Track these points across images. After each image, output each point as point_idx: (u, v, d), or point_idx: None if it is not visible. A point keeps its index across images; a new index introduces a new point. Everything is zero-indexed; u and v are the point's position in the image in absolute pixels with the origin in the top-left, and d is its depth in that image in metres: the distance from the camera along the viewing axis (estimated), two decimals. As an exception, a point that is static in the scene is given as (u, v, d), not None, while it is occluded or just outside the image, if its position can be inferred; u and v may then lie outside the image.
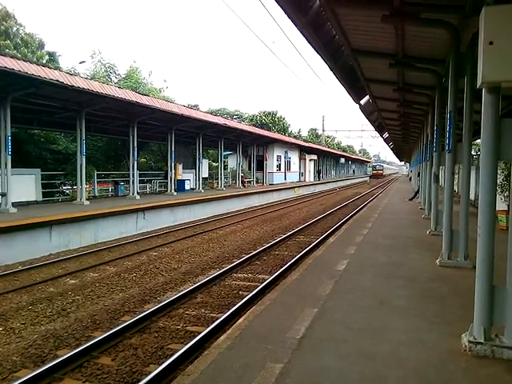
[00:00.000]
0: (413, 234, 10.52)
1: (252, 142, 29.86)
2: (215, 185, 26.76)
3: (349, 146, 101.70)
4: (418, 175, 21.13)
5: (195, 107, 34.31)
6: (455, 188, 13.13)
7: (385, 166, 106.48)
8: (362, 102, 15.76)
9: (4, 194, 12.25)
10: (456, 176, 16.85)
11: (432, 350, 3.90)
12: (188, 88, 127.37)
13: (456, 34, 6.63)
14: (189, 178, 23.82)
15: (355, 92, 13.71)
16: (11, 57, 10.44)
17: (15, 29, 27.36)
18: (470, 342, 3.81)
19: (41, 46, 28.46)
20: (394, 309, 5.02)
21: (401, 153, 59.43)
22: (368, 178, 77.39)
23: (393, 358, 3.73)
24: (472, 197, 14.56)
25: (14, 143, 14.08)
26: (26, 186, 14.69)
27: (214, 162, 35.78)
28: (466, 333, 3.92)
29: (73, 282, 8.48)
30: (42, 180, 15.80)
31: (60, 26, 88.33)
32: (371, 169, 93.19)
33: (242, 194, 23.98)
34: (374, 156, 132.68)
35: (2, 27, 26.22)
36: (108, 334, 5.42)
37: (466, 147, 6.80)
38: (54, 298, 7.39)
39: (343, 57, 9.92)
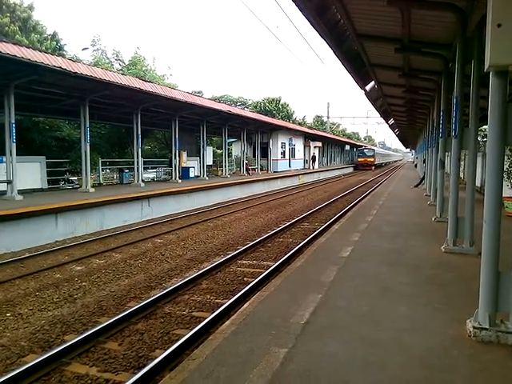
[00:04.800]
0: (418, 221, 10.49)
1: (256, 129, 29.72)
2: (219, 172, 26.74)
3: (354, 133, 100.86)
4: (424, 162, 21.00)
5: (199, 94, 34.18)
6: (461, 174, 13.05)
7: (379, 150, 74.16)
8: (368, 87, 15.60)
9: (10, 182, 12.31)
10: (462, 162, 16.79)
11: (436, 336, 3.92)
12: (191, 74, 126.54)
13: (463, 17, 6.50)
14: (193, 165, 23.80)
15: (361, 78, 13.56)
16: (14, 43, 10.38)
17: (34, 22, 27.18)
18: (474, 327, 3.82)
19: (53, 36, 28.28)
20: (398, 295, 5.03)
21: (406, 139, 58.95)
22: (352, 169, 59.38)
23: (396, 345, 3.75)
24: (478, 183, 14.47)
25: (19, 131, 14.11)
26: (31, 173, 14.75)
27: (218, 149, 35.73)
28: (471, 319, 3.93)
29: (79, 268, 8.55)
30: (47, 167, 15.86)
31: (61, 12, 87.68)
32: (357, 155, 63.18)
33: (247, 181, 23.96)
34: (379, 143, 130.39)
35: (25, 14, 26.15)
36: (114, 319, 5.48)
37: (472, 133, 6.72)
38: (61, 284, 7.47)
39: (348, 42, 9.79)
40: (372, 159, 59.74)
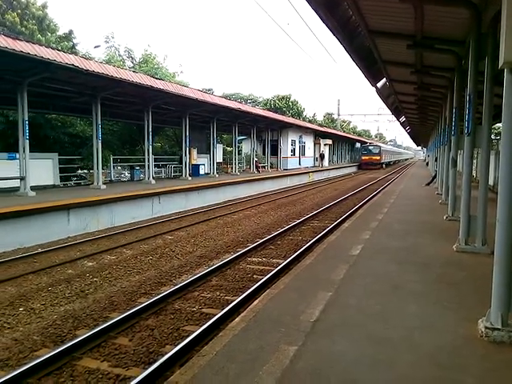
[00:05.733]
0: (429, 220, 10.40)
1: (266, 126, 29.68)
2: (229, 170, 26.77)
3: (365, 131, 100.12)
4: (436, 160, 20.79)
5: (209, 91, 34.23)
6: (473, 173, 12.89)
7: (386, 147, 66.25)
8: (379, 84, 15.46)
9: (23, 178, 12.47)
10: (474, 161, 16.60)
11: (446, 336, 3.88)
12: (202, 72, 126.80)
13: (477, 13, 6.41)
14: (203, 162, 23.88)
15: (372, 75, 13.44)
16: (27, 41, 10.48)
17: (48, 22, 27.35)
18: (486, 327, 3.78)
19: (69, 34, 28.46)
20: (409, 294, 5.00)
21: (418, 137, 58.24)
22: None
23: (406, 343, 3.73)
24: (491, 182, 14.29)
25: (32, 128, 14.26)
26: (44, 170, 14.94)
27: (228, 146, 35.74)
28: (483, 318, 3.89)
29: (90, 264, 8.64)
30: (59, 164, 16.03)
31: (74, 9, 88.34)
32: (361, 153, 55.61)
33: (256, 178, 23.97)
34: (390, 141, 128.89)
35: (40, 13, 26.41)
36: (125, 315, 5.53)
37: (485, 130, 6.63)
38: (73, 279, 7.56)
39: (360, 38, 9.70)
40: (378, 157, 53.10)
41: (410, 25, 7.96)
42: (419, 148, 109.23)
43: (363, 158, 54.24)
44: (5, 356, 4.72)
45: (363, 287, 5.24)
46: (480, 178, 6.96)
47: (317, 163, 41.75)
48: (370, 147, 54.75)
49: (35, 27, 25.05)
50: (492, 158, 14.86)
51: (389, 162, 63.97)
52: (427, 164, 44.65)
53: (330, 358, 3.47)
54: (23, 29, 24.20)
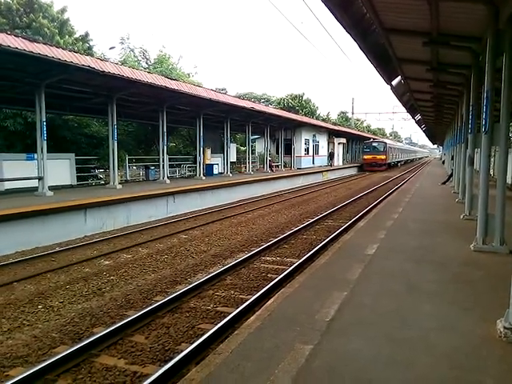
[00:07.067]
0: (445, 219, 10.27)
1: (279, 125, 29.64)
2: (243, 169, 26.83)
3: (379, 129, 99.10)
4: (452, 158, 20.51)
5: (223, 91, 34.33)
6: (491, 171, 12.69)
7: (395, 144, 57.57)
8: (394, 82, 15.31)
9: (41, 178, 12.71)
10: (492, 159, 16.31)
11: (464, 336, 3.84)
12: (216, 72, 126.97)
13: (494, 9, 6.30)
14: (217, 162, 23.99)
15: (386, 73, 13.32)
16: (44, 43, 10.68)
17: (69, 26, 27.70)
18: (505, 328, 3.73)
19: (85, 36, 28.82)
20: (425, 294, 4.95)
21: (433, 135, 57.49)
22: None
23: (422, 343, 3.69)
24: (509, 180, 14.04)
25: (50, 129, 14.50)
26: (61, 170, 15.20)
27: (241, 146, 35.81)
28: (502, 319, 3.84)
29: (107, 262, 8.76)
30: (76, 164, 16.27)
31: (88, 10, 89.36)
32: (363, 151, 47.17)
33: (270, 178, 23.95)
34: (405, 139, 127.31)
35: (62, 17, 26.86)
36: (141, 313, 5.60)
37: (503, 128, 6.53)
38: (90, 278, 7.67)
39: (374, 36, 9.62)
40: (383, 156, 44.27)
41: (425, 22, 7.87)
42: (435, 146, 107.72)
43: (365, 157, 45.66)
44: (24, 353, 4.83)
45: (379, 287, 5.21)
46: (498, 177, 6.86)
47: (331, 162, 41.45)
48: (374, 144, 45.83)
49: (56, 30, 25.40)
50: (510, 156, 14.60)
51: (398, 161, 56.11)
52: (443, 162, 43.88)
53: (345, 357, 3.46)
54: (47, 30, 24.50)
